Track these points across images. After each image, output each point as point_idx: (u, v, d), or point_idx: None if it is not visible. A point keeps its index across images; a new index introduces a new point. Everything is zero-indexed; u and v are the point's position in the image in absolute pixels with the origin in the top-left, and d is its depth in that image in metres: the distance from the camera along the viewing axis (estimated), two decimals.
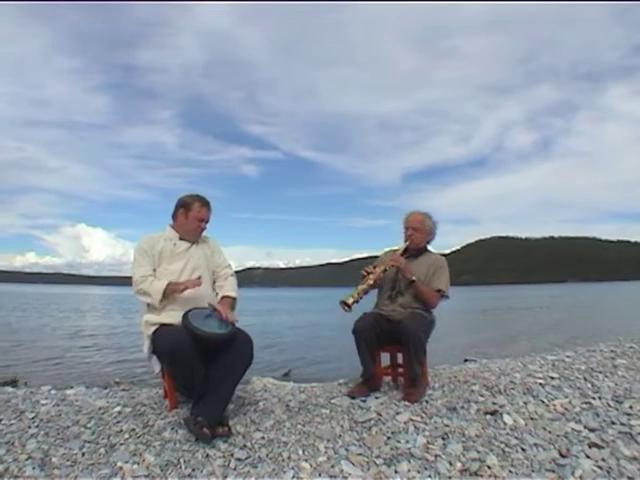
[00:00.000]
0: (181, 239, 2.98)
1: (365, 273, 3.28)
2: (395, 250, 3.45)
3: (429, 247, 3.54)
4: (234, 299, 2.99)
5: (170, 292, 2.75)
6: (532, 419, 2.62)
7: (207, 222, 3.03)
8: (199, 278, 2.84)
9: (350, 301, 3.07)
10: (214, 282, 3.06)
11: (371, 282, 3.22)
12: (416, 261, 3.42)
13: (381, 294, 3.48)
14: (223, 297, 2.95)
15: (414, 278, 3.26)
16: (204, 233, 3.08)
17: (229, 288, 3.00)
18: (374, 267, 3.34)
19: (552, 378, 3.46)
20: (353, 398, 3.07)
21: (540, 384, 3.29)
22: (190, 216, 2.95)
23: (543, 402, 2.90)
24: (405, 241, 3.46)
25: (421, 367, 3.15)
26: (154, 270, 2.86)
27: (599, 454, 2.16)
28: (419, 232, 3.43)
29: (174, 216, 3.02)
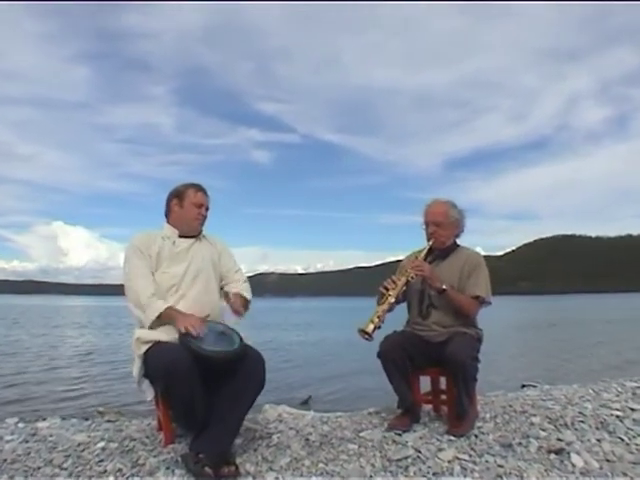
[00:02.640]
0: (181, 237, 3.02)
1: (384, 290, 3.14)
2: (419, 253, 3.34)
3: (458, 242, 3.42)
4: (247, 300, 3.06)
5: (166, 318, 2.74)
6: (608, 461, 2.56)
7: (207, 209, 3.09)
8: (207, 316, 2.83)
9: (370, 328, 2.96)
10: (221, 288, 3.12)
11: (392, 300, 3.10)
12: (445, 263, 3.32)
13: (411, 309, 3.41)
14: (235, 294, 2.99)
15: (444, 287, 3.14)
16: (206, 230, 3.13)
17: (242, 288, 3.09)
18: (395, 280, 3.18)
19: (633, 410, 3.38)
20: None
21: (617, 417, 3.22)
22: (186, 204, 3.01)
23: (622, 440, 2.83)
24: (428, 240, 3.33)
25: (470, 398, 3.11)
26: (152, 274, 2.88)
27: None
28: (443, 228, 3.28)
29: (167, 211, 3.08)
